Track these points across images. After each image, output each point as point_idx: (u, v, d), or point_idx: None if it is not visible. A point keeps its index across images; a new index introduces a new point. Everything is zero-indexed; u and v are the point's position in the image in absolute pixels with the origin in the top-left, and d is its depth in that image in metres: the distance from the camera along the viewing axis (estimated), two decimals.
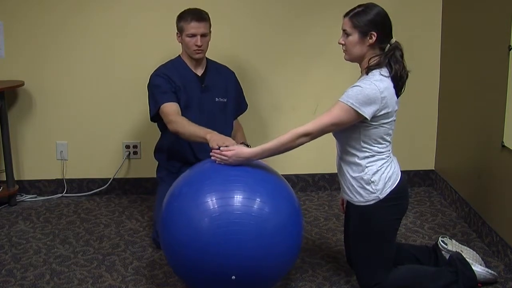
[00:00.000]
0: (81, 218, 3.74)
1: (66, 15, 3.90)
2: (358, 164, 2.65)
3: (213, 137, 2.85)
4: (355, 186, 2.66)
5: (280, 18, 3.97)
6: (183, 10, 3.33)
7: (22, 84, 3.92)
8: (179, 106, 3.27)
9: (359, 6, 2.65)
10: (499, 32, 3.06)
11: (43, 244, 3.36)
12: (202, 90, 3.36)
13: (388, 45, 2.64)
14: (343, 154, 2.71)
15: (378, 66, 2.61)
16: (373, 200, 2.63)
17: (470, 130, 3.54)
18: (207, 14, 3.31)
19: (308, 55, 4.02)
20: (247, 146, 3.32)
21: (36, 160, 4.09)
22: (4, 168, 3.94)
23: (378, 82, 2.56)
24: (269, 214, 2.49)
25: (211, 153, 2.69)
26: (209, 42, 3.35)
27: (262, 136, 3.77)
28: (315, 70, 4.01)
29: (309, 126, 2.57)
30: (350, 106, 2.53)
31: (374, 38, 2.60)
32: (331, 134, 2.70)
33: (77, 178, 4.12)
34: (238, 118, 3.61)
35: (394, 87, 2.61)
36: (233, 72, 3.54)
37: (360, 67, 2.70)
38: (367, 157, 2.64)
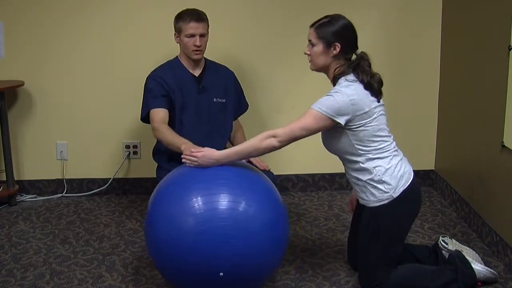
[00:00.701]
0: (81, 218, 3.74)
1: (66, 15, 3.90)
2: (365, 169, 2.66)
3: (187, 147, 2.93)
4: (368, 187, 2.67)
5: (280, 18, 3.97)
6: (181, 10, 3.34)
7: (22, 84, 3.92)
8: (175, 107, 3.29)
9: (325, 17, 2.72)
10: (499, 32, 3.06)
11: (43, 244, 3.36)
12: (199, 91, 3.37)
13: (354, 55, 2.69)
14: (346, 163, 2.74)
15: (343, 74, 2.66)
16: (387, 199, 2.64)
17: (470, 130, 3.54)
18: (205, 14, 3.32)
19: None
20: None
21: (36, 160, 4.09)
22: (4, 168, 3.94)
23: (345, 88, 2.60)
24: (255, 211, 2.51)
25: (182, 156, 2.72)
26: (209, 42, 3.35)
27: None
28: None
29: (279, 129, 2.63)
30: (320, 113, 2.58)
31: (338, 49, 2.66)
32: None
33: (77, 178, 4.12)
34: (239, 118, 3.61)
35: (368, 90, 2.63)
36: (233, 72, 3.54)
37: (328, 77, 2.76)
38: (370, 159, 2.65)
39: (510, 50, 2.94)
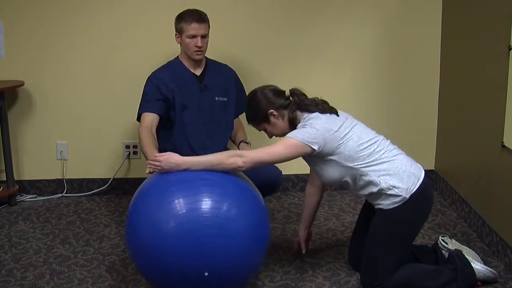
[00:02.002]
0: (81, 218, 3.74)
1: (66, 15, 3.90)
2: (370, 182, 2.68)
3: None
4: (382, 196, 2.69)
5: (280, 18, 3.97)
6: (182, 10, 3.33)
7: (22, 84, 3.92)
8: (176, 107, 3.29)
9: (245, 108, 2.90)
10: (499, 32, 3.06)
11: (43, 244, 3.36)
12: (201, 89, 3.37)
13: (287, 101, 2.80)
14: (351, 185, 2.75)
15: (297, 118, 2.77)
16: (400, 201, 2.66)
17: (470, 130, 3.54)
18: (206, 15, 3.32)
19: (308, 55, 4.02)
20: (247, 144, 3.34)
21: (36, 160, 4.09)
22: (4, 168, 3.94)
23: (307, 122, 2.70)
24: (238, 211, 2.51)
25: (147, 162, 2.72)
26: (209, 42, 3.35)
27: (261, 136, 3.77)
28: (315, 70, 4.01)
29: (248, 151, 2.73)
30: (296, 140, 2.64)
31: (275, 113, 2.78)
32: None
33: (77, 178, 4.12)
34: (240, 117, 3.61)
35: (324, 113, 2.73)
36: (234, 71, 3.54)
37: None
38: (370, 171, 2.67)
39: (510, 50, 2.94)
